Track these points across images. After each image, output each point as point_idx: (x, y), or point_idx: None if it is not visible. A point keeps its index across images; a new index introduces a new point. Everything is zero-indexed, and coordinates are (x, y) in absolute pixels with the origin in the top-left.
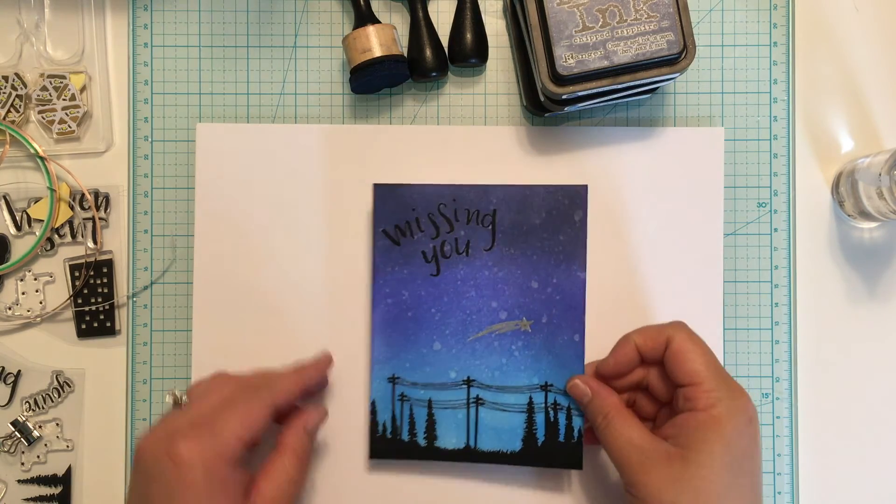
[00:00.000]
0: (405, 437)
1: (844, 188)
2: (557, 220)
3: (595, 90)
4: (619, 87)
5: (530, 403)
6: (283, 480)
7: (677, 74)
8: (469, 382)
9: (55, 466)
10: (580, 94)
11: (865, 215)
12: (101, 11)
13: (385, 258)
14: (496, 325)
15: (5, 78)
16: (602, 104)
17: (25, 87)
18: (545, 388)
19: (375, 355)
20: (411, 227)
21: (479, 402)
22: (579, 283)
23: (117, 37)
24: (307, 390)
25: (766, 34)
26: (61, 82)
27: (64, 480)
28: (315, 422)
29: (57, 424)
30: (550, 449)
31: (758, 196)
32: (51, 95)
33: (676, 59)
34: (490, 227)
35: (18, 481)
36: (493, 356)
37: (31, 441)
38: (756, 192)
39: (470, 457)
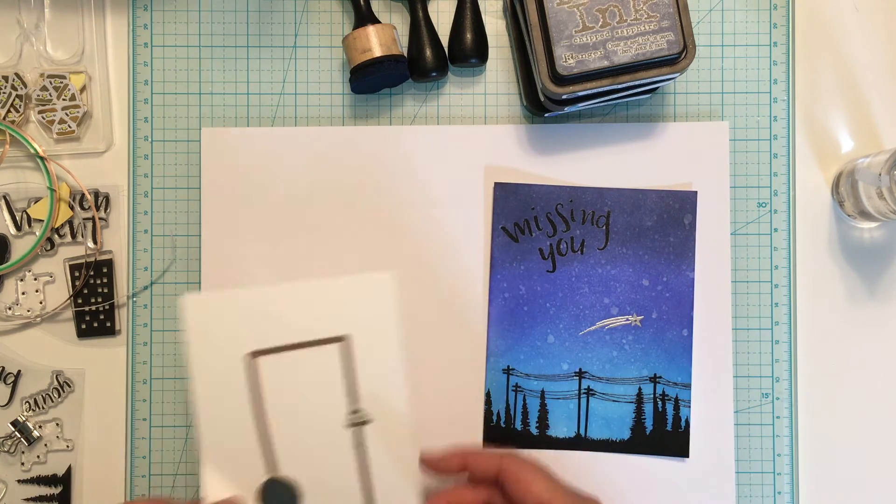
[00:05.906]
0: (518, 426)
1: (844, 188)
2: (668, 222)
3: (595, 90)
4: (619, 87)
5: (639, 394)
6: None
7: (677, 74)
8: (581, 374)
9: (55, 466)
10: (580, 94)
11: (865, 215)
12: (101, 11)
13: (503, 254)
14: (608, 320)
15: (5, 78)
16: (602, 104)
17: (25, 87)
18: (654, 379)
19: (491, 347)
20: (530, 224)
21: (590, 392)
22: (688, 281)
23: (117, 37)
24: None
25: (766, 34)
26: (61, 82)
27: (64, 480)
28: None
29: (57, 424)
30: (658, 438)
31: (758, 196)
32: (51, 95)
33: (676, 59)
34: (604, 227)
35: (18, 481)
36: (605, 349)
37: (31, 441)
38: (756, 192)
39: (580, 445)
